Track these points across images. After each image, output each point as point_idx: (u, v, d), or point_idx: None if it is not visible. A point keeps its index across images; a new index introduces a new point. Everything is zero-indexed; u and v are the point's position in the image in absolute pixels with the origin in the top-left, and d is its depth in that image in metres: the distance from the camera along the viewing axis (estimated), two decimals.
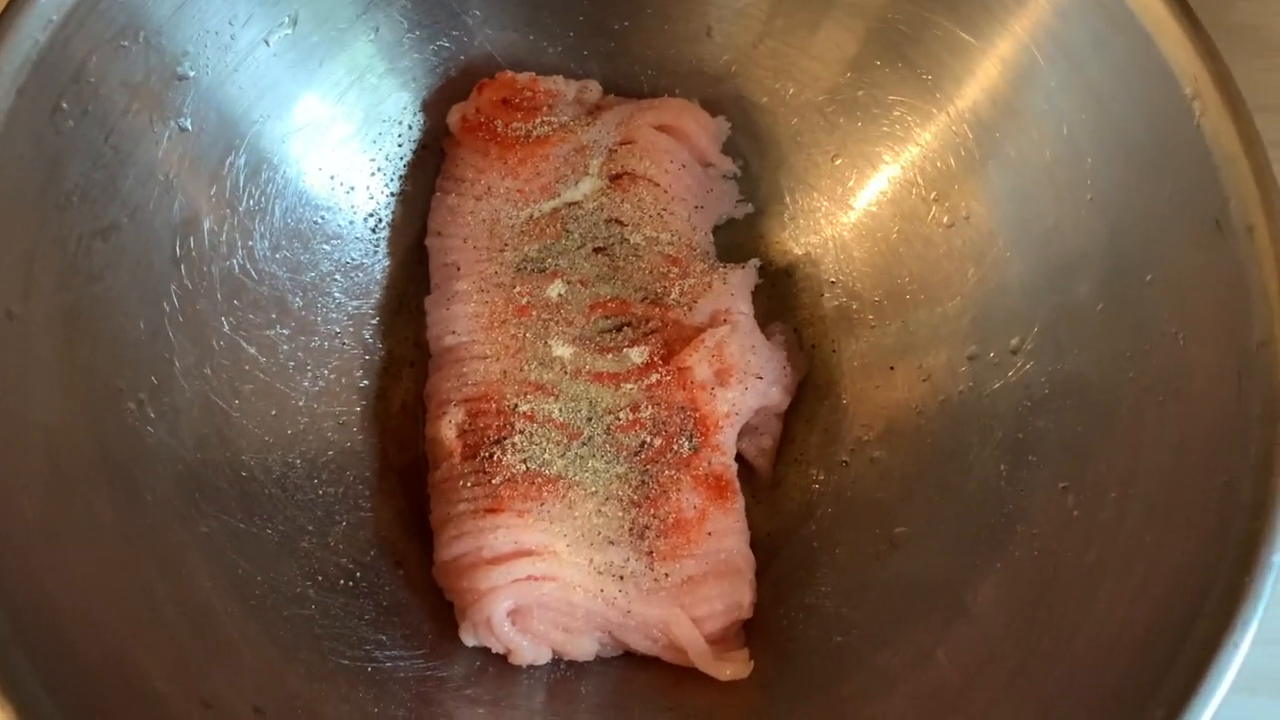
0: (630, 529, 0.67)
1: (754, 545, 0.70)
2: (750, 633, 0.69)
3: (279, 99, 0.69)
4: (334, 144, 0.74)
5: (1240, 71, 0.58)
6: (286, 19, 0.68)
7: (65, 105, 0.57)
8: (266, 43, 0.67)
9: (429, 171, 0.78)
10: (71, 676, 0.51)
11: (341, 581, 0.67)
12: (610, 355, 0.71)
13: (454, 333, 0.72)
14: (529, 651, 0.66)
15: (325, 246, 0.74)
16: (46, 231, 0.57)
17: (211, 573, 0.61)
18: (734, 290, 0.73)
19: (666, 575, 0.66)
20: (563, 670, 0.68)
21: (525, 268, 0.73)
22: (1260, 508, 0.52)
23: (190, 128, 0.64)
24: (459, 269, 0.73)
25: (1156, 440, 0.58)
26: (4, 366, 0.54)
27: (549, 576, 0.65)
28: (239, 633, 0.60)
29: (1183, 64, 0.58)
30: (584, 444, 0.69)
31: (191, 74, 0.64)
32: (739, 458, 0.73)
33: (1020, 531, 0.63)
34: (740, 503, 0.70)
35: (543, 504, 0.66)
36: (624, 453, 0.69)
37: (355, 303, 0.75)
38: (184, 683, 0.55)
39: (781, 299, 0.80)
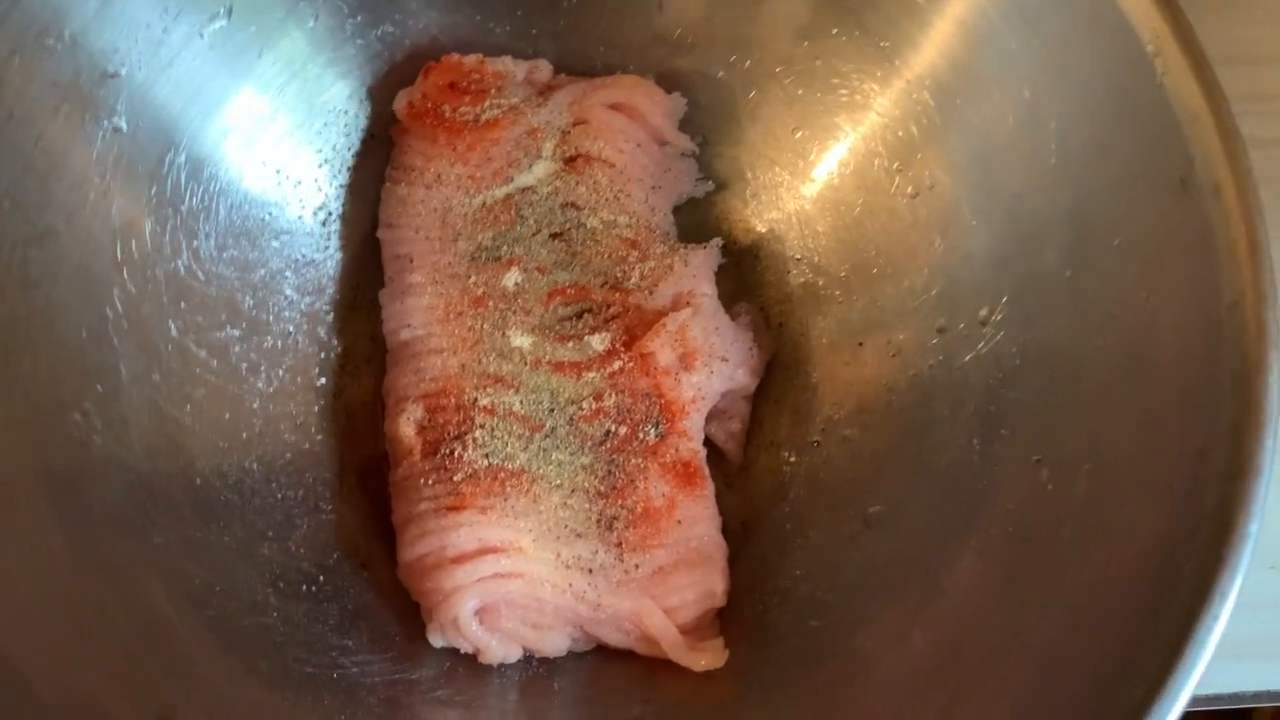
0: (598, 521, 0.66)
1: (726, 531, 0.69)
2: (724, 621, 0.68)
3: (217, 93, 0.67)
4: (278, 137, 0.71)
5: (1203, 22, 0.56)
6: (220, 10, 0.65)
7: None
8: (200, 35, 0.65)
9: (379, 161, 0.76)
10: (15, 700, 0.49)
11: (304, 587, 0.65)
12: (571, 343, 0.69)
13: (409, 326, 0.70)
14: (498, 650, 0.64)
15: (274, 243, 0.72)
16: None
17: (166, 584, 0.59)
18: (695, 271, 0.71)
19: (637, 566, 0.65)
20: (535, 667, 0.67)
21: (480, 257, 0.71)
22: (1234, 476, 0.50)
23: (125, 127, 0.62)
24: (412, 261, 0.71)
25: (1128, 409, 0.56)
26: None
27: (515, 573, 0.64)
28: (197, 645, 0.58)
29: (1142, 19, 0.56)
30: (547, 436, 0.67)
31: (123, 71, 0.61)
32: (708, 442, 0.71)
33: (995, 507, 0.61)
34: (710, 489, 0.69)
35: (506, 499, 0.65)
36: (588, 443, 0.67)
37: (308, 299, 0.73)
38: (139, 701, 0.54)
39: (746, 277, 0.78)
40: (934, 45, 0.66)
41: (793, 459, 0.73)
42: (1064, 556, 0.56)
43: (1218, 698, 0.71)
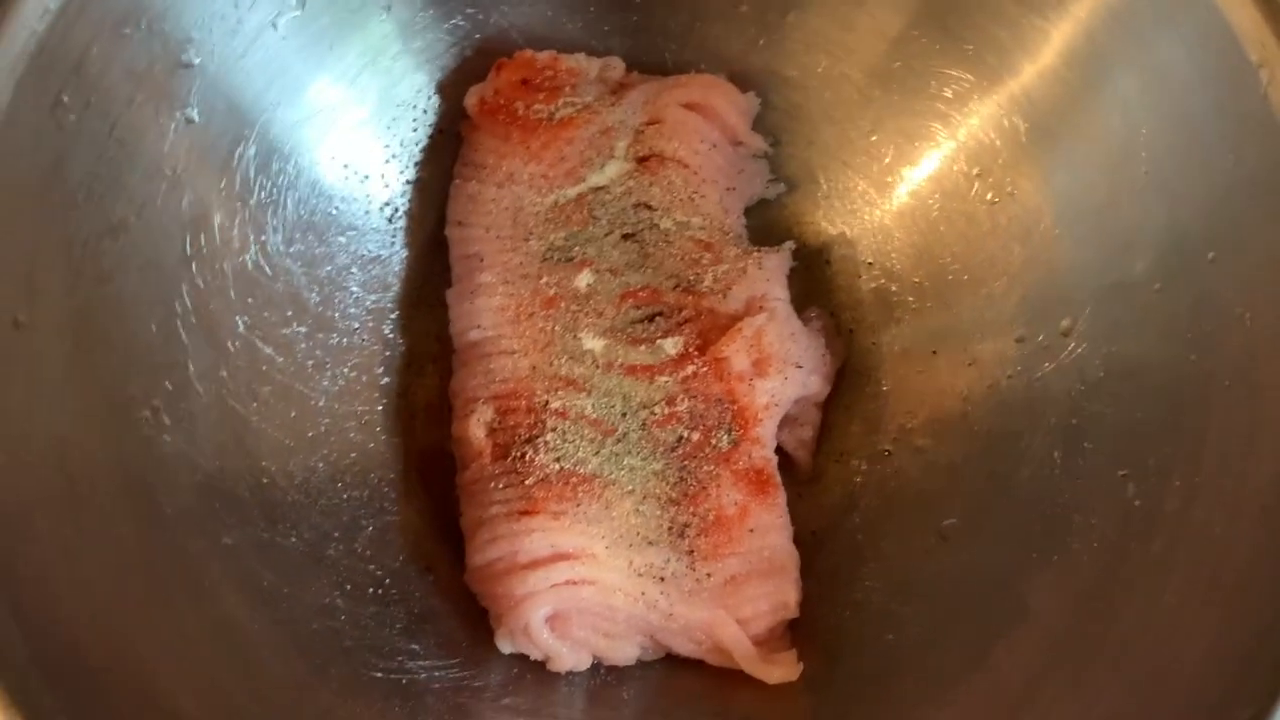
0: (670, 528, 0.65)
1: (796, 540, 0.68)
2: (796, 631, 0.67)
3: (289, 85, 0.66)
4: (347, 131, 0.70)
5: None
6: (294, 0, 0.64)
7: (66, 98, 0.54)
8: (274, 26, 0.64)
9: (447, 157, 0.75)
10: (95, 701, 0.49)
11: (370, 590, 0.64)
12: (643, 347, 0.68)
13: (479, 327, 0.69)
14: (568, 658, 0.63)
15: (341, 239, 0.71)
16: (51, 232, 0.54)
17: (236, 586, 0.58)
18: (769, 275, 0.70)
19: (709, 575, 0.64)
20: (603, 676, 0.66)
21: (552, 257, 0.70)
22: None
23: (197, 118, 0.61)
24: (482, 260, 0.70)
25: (1223, 426, 0.55)
26: (12, 378, 0.51)
27: (588, 580, 0.62)
28: (267, 648, 0.58)
29: (1249, 30, 0.55)
30: (619, 440, 0.66)
31: (197, 61, 0.60)
32: (778, 450, 0.70)
33: (1078, 522, 0.60)
34: (782, 497, 0.67)
35: (578, 504, 0.63)
36: (661, 448, 0.66)
37: (374, 296, 0.72)
38: (212, 703, 0.53)
39: (816, 281, 0.77)
40: (1024, 51, 0.65)
41: (864, 468, 0.72)
42: (1155, 575, 0.55)
43: None
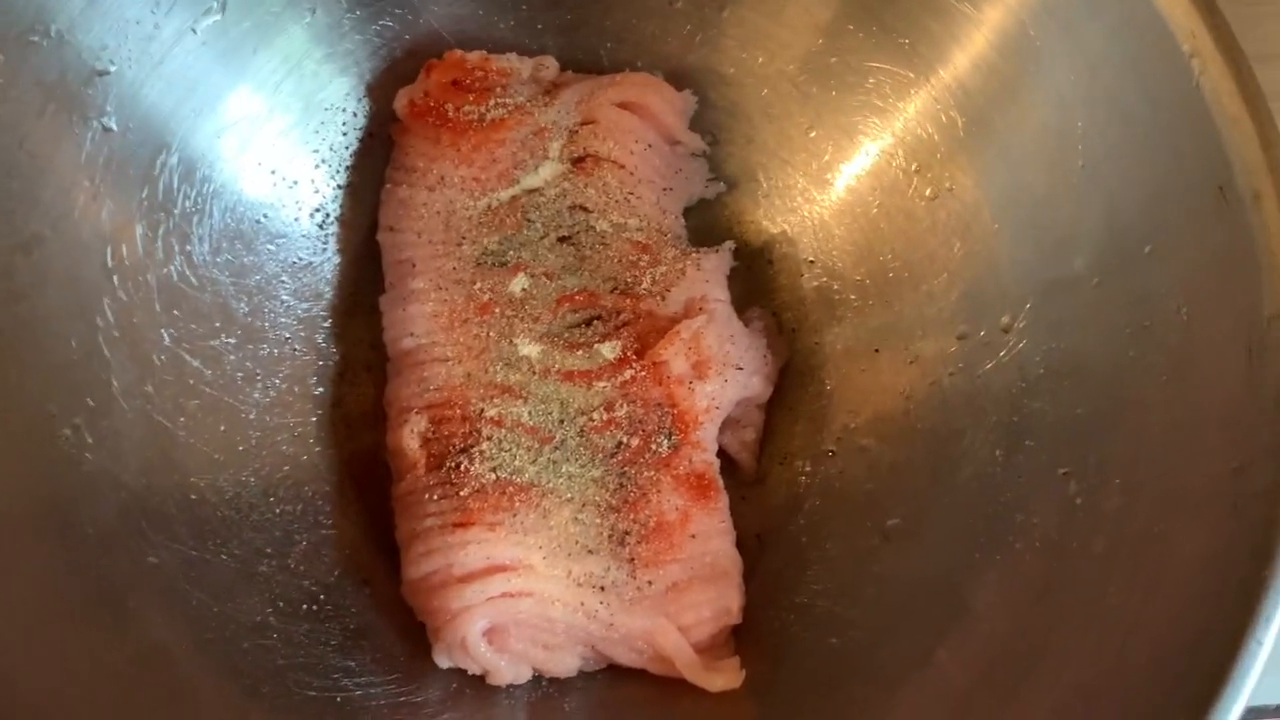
0: (610, 536, 0.63)
1: (740, 544, 0.67)
2: (740, 638, 0.66)
3: (211, 91, 0.64)
4: (273, 136, 0.69)
5: (1231, 17, 0.54)
6: (214, 4, 0.63)
7: None
8: (193, 31, 0.62)
9: (378, 161, 0.73)
10: None
11: (305, 606, 0.63)
12: (580, 352, 0.67)
13: (412, 334, 0.67)
14: (508, 671, 0.62)
15: (270, 246, 0.69)
16: None
17: (163, 608, 0.57)
18: (708, 276, 0.69)
19: (650, 583, 0.63)
20: (544, 688, 0.64)
21: (486, 261, 0.68)
22: (1275, 494, 0.49)
23: (115, 127, 0.59)
24: (414, 266, 0.68)
25: (1162, 423, 0.55)
26: None
27: (525, 592, 0.61)
28: (196, 670, 0.56)
29: (1179, 19, 0.54)
30: (556, 448, 0.65)
31: (113, 68, 0.59)
32: (721, 452, 0.69)
33: (1020, 521, 0.59)
34: (724, 501, 0.66)
35: (515, 515, 0.62)
36: (599, 455, 0.65)
37: (305, 305, 0.71)
38: None
39: (758, 281, 0.76)
40: (957, 43, 0.64)
41: (808, 469, 0.71)
42: (1097, 573, 0.54)
43: (1264, 709, 0.69)
